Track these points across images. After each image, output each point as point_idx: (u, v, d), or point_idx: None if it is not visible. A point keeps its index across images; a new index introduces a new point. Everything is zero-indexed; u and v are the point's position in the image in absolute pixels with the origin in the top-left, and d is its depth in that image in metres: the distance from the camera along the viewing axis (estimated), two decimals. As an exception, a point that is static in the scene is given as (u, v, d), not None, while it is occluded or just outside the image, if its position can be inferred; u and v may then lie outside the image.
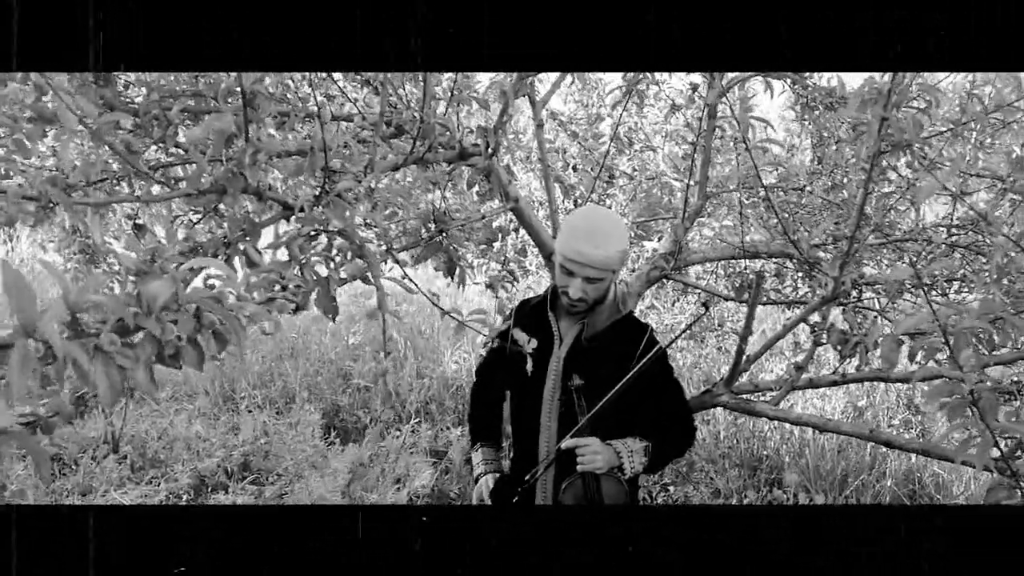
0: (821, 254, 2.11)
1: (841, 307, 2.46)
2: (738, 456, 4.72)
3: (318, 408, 5.66)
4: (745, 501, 3.74)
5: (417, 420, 5.36)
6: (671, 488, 4.18)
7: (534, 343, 1.58)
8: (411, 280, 1.59)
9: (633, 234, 4.47)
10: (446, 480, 4.49)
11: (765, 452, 4.80)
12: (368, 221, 1.64)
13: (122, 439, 5.40)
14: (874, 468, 4.60)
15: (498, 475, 2.46)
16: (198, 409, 5.83)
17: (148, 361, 0.92)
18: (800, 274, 4.08)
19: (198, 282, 1.24)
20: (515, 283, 2.16)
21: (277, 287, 1.35)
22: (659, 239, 4.76)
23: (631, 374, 2.16)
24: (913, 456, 4.36)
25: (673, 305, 5.02)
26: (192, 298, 0.94)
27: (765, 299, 3.56)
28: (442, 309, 1.59)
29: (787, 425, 4.86)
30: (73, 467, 5.17)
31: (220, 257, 1.65)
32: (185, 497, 4.62)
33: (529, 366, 1.71)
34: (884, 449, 4.49)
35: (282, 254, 1.50)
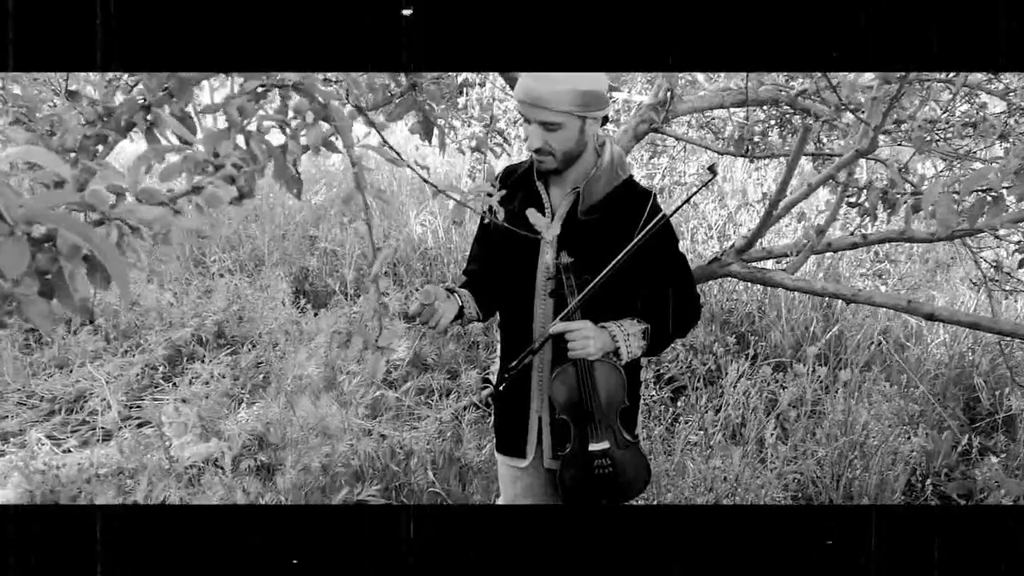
0: (862, 98, 1.67)
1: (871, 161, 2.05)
2: (708, 310, 4.41)
3: (288, 272, 5.21)
4: (721, 362, 3.44)
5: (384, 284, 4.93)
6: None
7: (556, 229, 1.14)
8: (393, 149, 1.12)
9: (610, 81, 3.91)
10: (423, 345, 4.13)
11: (732, 304, 4.48)
12: (331, 75, 1.16)
13: (97, 307, 4.91)
14: (843, 320, 4.34)
15: (459, 299, 1.90)
16: (169, 275, 5.34)
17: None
18: (785, 128, 3.59)
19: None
20: (506, 145, 1.69)
21: (210, 168, 0.88)
22: (629, 91, 4.21)
23: (626, 250, 1.74)
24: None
25: (649, 160, 4.48)
26: (34, 213, 0.48)
27: (748, 151, 3.10)
28: (435, 186, 1.14)
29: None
30: (48, 341, 4.69)
31: (141, 127, 1.16)
32: (161, 369, 4.21)
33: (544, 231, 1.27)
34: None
35: (220, 122, 1.01)
